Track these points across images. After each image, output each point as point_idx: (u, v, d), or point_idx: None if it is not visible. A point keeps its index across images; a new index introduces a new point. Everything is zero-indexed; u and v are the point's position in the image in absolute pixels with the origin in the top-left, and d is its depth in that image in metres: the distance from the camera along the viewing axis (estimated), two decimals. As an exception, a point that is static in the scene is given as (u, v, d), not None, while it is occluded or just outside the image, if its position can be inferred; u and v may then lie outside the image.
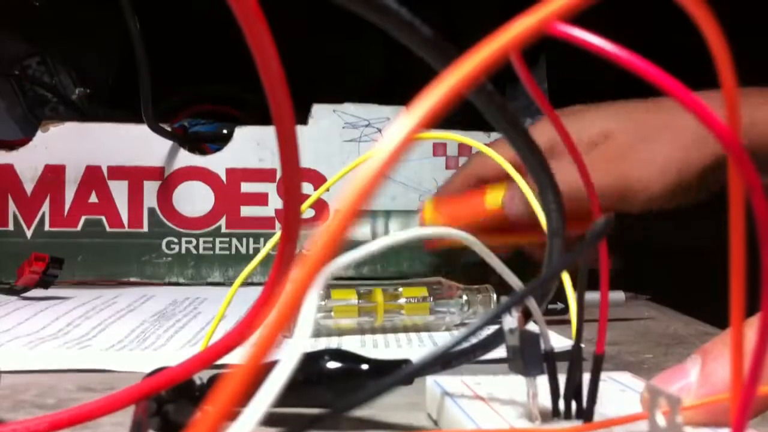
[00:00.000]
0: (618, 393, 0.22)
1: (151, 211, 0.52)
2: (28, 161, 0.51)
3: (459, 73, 0.12)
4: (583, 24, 0.13)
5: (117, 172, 0.52)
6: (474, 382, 0.23)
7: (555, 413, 0.20)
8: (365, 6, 0.17)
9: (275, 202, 0.53)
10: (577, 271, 0.19)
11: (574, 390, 0.20)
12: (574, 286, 0.21)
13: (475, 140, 0.33)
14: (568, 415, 0.20)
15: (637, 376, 0.24)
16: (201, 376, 0.22)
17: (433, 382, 0.23)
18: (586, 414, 0.20)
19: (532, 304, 0.19)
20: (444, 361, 0.22)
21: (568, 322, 0.22)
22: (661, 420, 0.18)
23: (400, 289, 0.37)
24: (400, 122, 0.11)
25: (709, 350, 0.20)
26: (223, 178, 0.52)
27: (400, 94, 0.24)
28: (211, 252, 0.52)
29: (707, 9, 0.13)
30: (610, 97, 0.46)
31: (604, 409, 0.20)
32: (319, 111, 0.53)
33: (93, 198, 0.51)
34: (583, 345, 0.20)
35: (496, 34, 0.12)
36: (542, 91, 0.18)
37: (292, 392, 0.21)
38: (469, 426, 0.19)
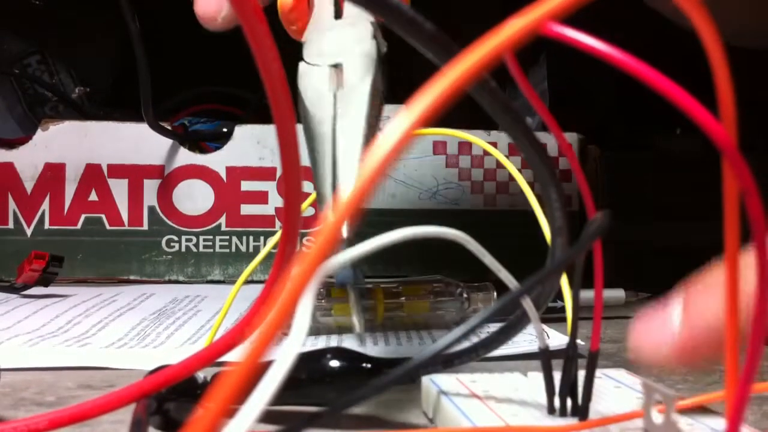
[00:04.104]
0: (613, 390, 0.22)
1: (151, 209, 0.52)
2: (28, 160, 0.51)
3: (454, 72, 0.12)
4: (581, 25, 0.13)
5: (117, 171, 0.52)
6: (469, 380, 0.23)
7: (551, 410, 0.20)
8: (367, 2, 0.17)
9: (275, 201, 0.53)
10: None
11: (569, 387, 0.20)
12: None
13: (477, 137, 0.33)
14: (563, 413, 0.20)
15: (632, 373, 0.24)
16: (205, 375, 0.23)
17: (428, 380, 0.23)
18: (581, 411, 0.20)
19: (527, 302, 0.19)
20: (446, 360, 0.22)
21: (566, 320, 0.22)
22: (656, 417, 0.18)
23: (401, 288, 0.37)
24: (397, 120, 0.11)
25: (690, 288, 0.19)
26: (223, 176, 0.53)
27: (399, 93, 0.24)
28: (211, 250, 0.52)
29: (704, 10, 0.13)
30: (610, 97, 0.46)
31: (599, 406, 0.20)
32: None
33: (93, 196, 0.52)
34: (582, 343, 0.20)
35: (490, 35, 0.12)
36: (540, 92, 0.18)
37: (294, 390, 0.21)
38: (465, 424, 0.20)
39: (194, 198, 0.52)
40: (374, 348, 0.33)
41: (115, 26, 0.57)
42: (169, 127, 0.52)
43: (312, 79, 0.23)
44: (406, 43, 0.18)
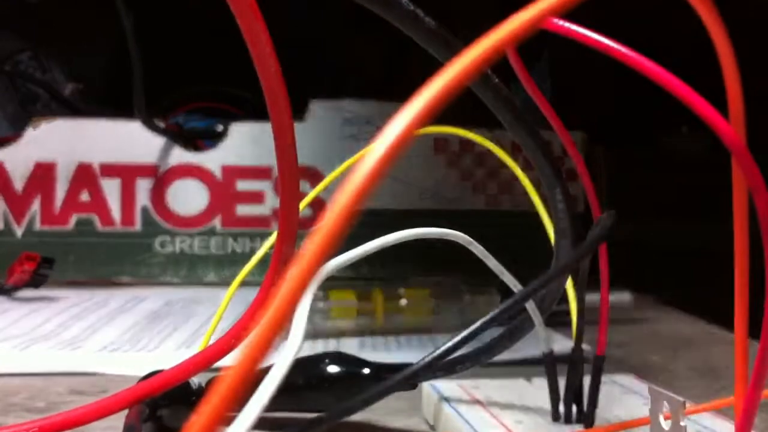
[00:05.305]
0: (620, 396, 0.22)
1: (144, 209, 0.51)
2: (18, 158, 0.51)
3: (456, 68, 0.11)
4: (585, 21, 0.12)
5: (109, 170, 0.51)
6: (472, 386, 0.22)
7: (555, 417, 0.20)
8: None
9: (272, 201, 0.52)
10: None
11: (574, 393, 0.19)
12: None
13: (479, 136, 0.32)
14: (568, 420, 0.19)
15: (640, 378, 0.23)
16: (200, 380, 0.22)
17: (429, 386, 0.23)
18: (587, 418, 0.19)
19: (531, 306, 0.19)
20: (447, 366, 0.21)
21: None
22: (664, 424, 0.18)
23: (401, 290, 0.37)
24: (397, 118, 0.11)
25: None
26: (218, 175, 0.52)
27: (399, 90, 0.23)
28: (206, 252, 0.52)
29: (713, 6, 0.13)
30: (611, 98, 0.46)
31: (605, 412, 0.20)
32: (317, 107, 0.53)
33: (85, 196, 0.51)
34: (587, 347, 0.20)
35: (493, 30, 0.11)
36: (543, 89, 0.18)
37: (292, 396, 0.21)
38: (467, 431, 0.19)
39: (188, 198, 0.52)
40: (374, 353, 0.33)
41: (111, 23, 0.56)
42: (162, 125, 0.52)
43: None
44: (406, 39, 0.18)
